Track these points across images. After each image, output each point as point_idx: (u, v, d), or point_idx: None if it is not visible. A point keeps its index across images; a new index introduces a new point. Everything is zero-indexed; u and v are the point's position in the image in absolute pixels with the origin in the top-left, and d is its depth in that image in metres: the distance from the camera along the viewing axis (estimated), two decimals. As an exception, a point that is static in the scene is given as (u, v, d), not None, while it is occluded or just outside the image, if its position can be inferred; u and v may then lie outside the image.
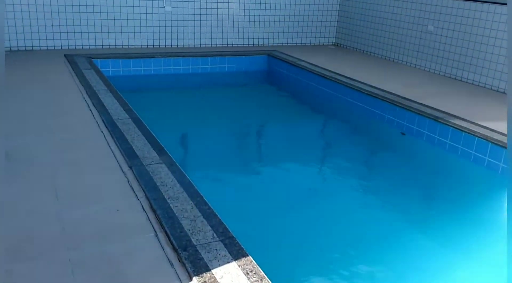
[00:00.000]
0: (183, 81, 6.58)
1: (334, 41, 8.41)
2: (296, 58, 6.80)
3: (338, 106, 5.75)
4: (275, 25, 7.84)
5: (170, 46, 7.17)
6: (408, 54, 6.75)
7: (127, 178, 2.81)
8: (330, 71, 6.14)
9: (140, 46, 6.99)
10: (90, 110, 4.02)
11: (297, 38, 8.11)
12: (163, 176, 2.80)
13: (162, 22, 7.06)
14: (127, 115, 3.87)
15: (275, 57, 7.00)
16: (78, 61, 5.76)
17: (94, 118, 3.83)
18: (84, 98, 4.35)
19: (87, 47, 6.68)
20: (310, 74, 6.23)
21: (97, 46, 6.73)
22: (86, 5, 6.51)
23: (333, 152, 4.84)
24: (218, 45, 7.51)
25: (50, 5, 6.31)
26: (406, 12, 6.72)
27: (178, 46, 7.22)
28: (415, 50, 6.63)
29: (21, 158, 3.02)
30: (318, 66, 6.39)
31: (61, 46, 6.53)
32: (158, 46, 7.11)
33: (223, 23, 7.46)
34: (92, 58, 6.06)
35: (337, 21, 8.26)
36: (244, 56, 6.97)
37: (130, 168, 2.91)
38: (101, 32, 6.70)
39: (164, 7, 6.97)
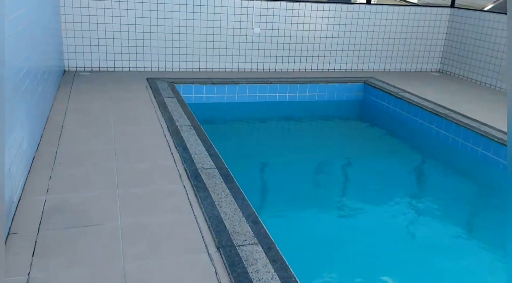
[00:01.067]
0: (269, 110, 5.97)
1: (438, 68, 7.43)
2: (397, 88, 5.96)
3: (444, 146, 4.86)
4: (372, 49, 7.04)
5: (256, 70, 6.62)
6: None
7: (214, 267, 2.18)
8: (436, 104, 5.24)
9: (224, 69, 6.50)
10: (172, 153, 3.48)
11: (395, 63, 7.24)
12: (260, 267, 2.15)
13: (249, 44, 6.52)
14: (212, 164, 3.28)
15: (371, 85, 6.19)
16: (161, 87, 5.34)
17: (176, 166, 3.28)
18: (165, 136, 3.83)
19: (170, 69, 6.29)
20: (413, 108, 5.37)
21: (180, 69, 6.32)
22: (171, 26, 6.14)
23: (438, 201, 3.96)
24: (307, 70, 6.84)
25: (135, 25, 6.00)
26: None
27: (264, 70, 6.65)
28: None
29: (86, 216, 2.52)
30: (422, 97, 5.51)
31: (144, 67, 6.19)
32: (243, 69, 6.58)
33: (314, 46, 6.78)
34: (175, 83, 5.63)
35: (444, 45, 7.28)
36: (337, 84, 6.24)
37: (218, 249, 2.28)
38: (186, 54, 6.28)
39: (253, 28, 6.44)
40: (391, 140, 5.46)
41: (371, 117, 6.13)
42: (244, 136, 5.29)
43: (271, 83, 5.96)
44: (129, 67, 6.14)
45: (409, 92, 5.81)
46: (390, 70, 7.26)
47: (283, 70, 6.78)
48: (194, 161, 3.31)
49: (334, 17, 6.76)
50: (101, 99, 4.75)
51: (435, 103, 5.38)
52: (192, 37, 6.24)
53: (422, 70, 7.41)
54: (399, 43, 7.14)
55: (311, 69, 6.89)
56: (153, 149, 3.56)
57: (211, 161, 3.32)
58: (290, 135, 5.51)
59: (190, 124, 4.10)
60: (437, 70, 7.45)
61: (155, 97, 4.92)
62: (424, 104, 5.33)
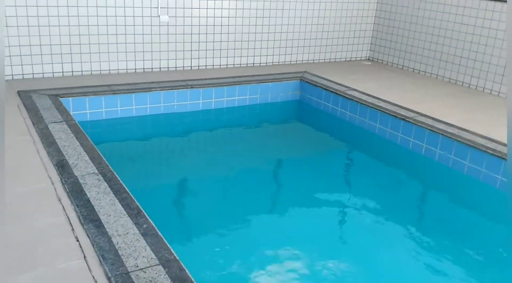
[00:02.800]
0: (192, 121, 4.68)
1: (368, 55, 6.70)
2: (336, 83, 5.04)
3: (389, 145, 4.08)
4: (300, 38, 6.04)
5: (166, 68, 5.23)
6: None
7: None
8: (379, 99, 4.42)
9: (125, 70, 5.02)
10: (79, 244, 2.10)
11: (325, 52, 6.33)
12: None
13: (155, 37, 5.10)
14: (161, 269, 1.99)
15: (309, 82, 5.20)
16: (40, 105, 3.75)
17: (90, 271, 1.93)
18: (61, 202, 2.40)
19: (50, 74, 4.65)
20: (358, 106, 4.50)
21: (64, 73, 4.71)
22: (47, 16, 4.49)
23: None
24: (229, 66, 5.63)
25: None
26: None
27: (177, 68, 5.29)
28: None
29: None
30: (367, 93, 4.65)
31: (12, 74, 4.47)
32: (150, 69, 5.15)
33: (236, 37, 5.58)
34: (60, 96, 4.06)
35: (373, 30, 6.55)
36: (270, 83, 5.13)
37: None
38: (70, 53, 4.68)
39: (159, 16, 5.02)
40: (334, 143, 4.56)
41: (312, 119, 5.14)
42: (163, 162, 3.97)
43: (191, 87, 4.65)
44: (-10, 75, 4.40)
45: (349, 88, 4.92)
46: (320, 60, 6.35)
47: (200, 67, 5.48)
48: (122, 256, 1.99)
49: (257, 2, 5.61)
50: None
51: (377, 98, 4.57)
52: (78, 30, 4.65)
53: (352, 59, 6.62)
54: (328, 30, 6.24)
55: (234, 64, 5.69)
56: (46, 235, 2.13)
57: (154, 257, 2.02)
58: (220, 149, 4.31)
59: (96, 171, 2.70)
60: (367, 58, 6.73)
61: (33, 124, 3.36)
62: (369, 101, 4.48)
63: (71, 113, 3.85)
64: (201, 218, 3.11)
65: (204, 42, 5.39)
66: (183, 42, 5.26)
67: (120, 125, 4.31)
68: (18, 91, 4.08)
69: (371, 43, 6.63)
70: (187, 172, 3.80)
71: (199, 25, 5.30)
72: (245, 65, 5.77)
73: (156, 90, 4.46)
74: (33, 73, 4.58)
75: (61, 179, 2.58)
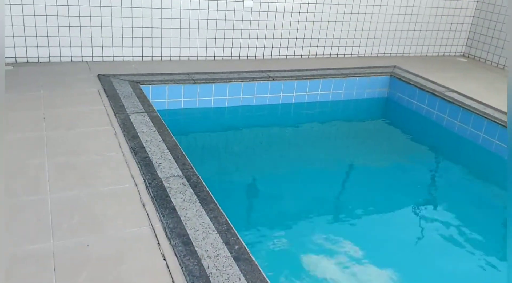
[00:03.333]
0: (272, 115, 4.40)
1: (463, 51, 6.07)
2: (430, 81, 4.54)
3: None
4: (388, 29, 5.54)
5: (246, 57, 4.96)
6: None
7: None
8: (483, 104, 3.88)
9: (204, 57, 4.80)
10: (169, 270, 1.89)
11: (416, 46, 5.80)
12: None
13: (238, 23, 4.82)
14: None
15: (399, 78, 4.74)
16: (121, 91, 3.60)
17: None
18: (148, 216, 2.21)
19: (130, 58, 4.52)
20: (457, 109, 4.00)
21: (143, 58, 4.56)
22: (112, 6, 4.35)
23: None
24: (311, 56, 5.26)
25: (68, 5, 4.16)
26: None
27: (257, 57, 5.00)
28: None
29: None
30: (468, 96, 4.12)
31: (92, 56, 4.38)
32: (229, 57, 4.90)
33: (322, 25, 5.19)
34: (140, 83, 3.89)
35: (471, 23, 5.90)
36: (357, 78, 4.73)
37: None
38: (151, 37, 4.50)
39: (243, 0, 4.74)
40: (427, 150, 4.08)
41: (401, 120, 4.68)
42: (239, 157, 3.71)
43: (273, 79, 4.35)
44: (71, 56, 4.31)
45: (448, 88, 4.41)
46: (410, 54, 5.82)
47: (281, 57, 5.16)
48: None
49: (347, -13, 5.18)
50: (26, 121, 2.99)
51: (482, 103, 4.03)
52: (161, 13, 4.47)
53: (445, 54, 6.03)
54: (421, 21, 5.68)
55: (316, 55, 5.31)
56: (130, 249, 1.92)
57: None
58: (299, 148, 3.99)
59: (180, 173, 2.48)
60: (462, 54, 6.10)
61: (115, 113, 3.21)
62: (474, 106, 3.96)
63: (151, 101, 3.68)
64: (278, 222, 2.83)
65: (287, 30, 5.05)
66: (266, 29, 4.95)
67: (198, 116, 4.10)
68: (98, 75, 3.97)
69: (468, 38, 5.99)
70: (262, 169, 3.53)
71: (284, 12, 4.96)
72: (328, 56, 5.37)
73: (237, 81, 4.20)
74: (113, 56, 4.46)
75: (144, 181, 2.38)
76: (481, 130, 3.87)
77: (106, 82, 3.82)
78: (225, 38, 4.83)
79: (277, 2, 4.91)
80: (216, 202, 2.25)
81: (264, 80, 4.30)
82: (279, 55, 5.13)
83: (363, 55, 5.56)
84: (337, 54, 5.42)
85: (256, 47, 4.99)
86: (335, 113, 4.66)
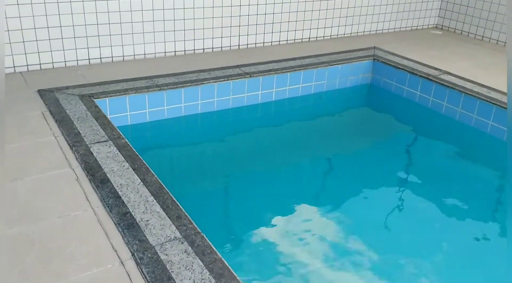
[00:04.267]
0: (251, 118, 3.82)
1: (436, 23, 5.71)
2: (415, 61, 4.12)
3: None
4: (356, 5, 5.04)
5: (211, 49, 4.29)
6: None
7: None
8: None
9: (163, 54, 4.09)
10: None
11: (389, 21, 5.35)
12: None
13: (198, 11, 4.13)
14: None
15: (383, 62, 4.28)
16: (71, 111, 2.88)
17: None
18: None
19: (74, 62, 3.73)
20: (459, 95, 3.64)
21: (90, 60, 3.78)
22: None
23: None
24: (282, 42, 4.67)
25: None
26: None
27: (223, 48, 4.34)
28: None
29: None
30: (462, 77, 3.75)
31: (27, 65, 3.57)
32: (184, 51, 4.22)
33: (291, 7, 4.60)
34: (93, 96, 3.17)
35: (441, -8, 5.53)
36: (339, 65, 4.20)
37: None
38: (98, 35, 3.74)
39: (202, -16, 4.04)
40: (425, 139, 3.71)
41: (391, 108, 4.24)
42: (228, 173, 3.14)
43: (250, 76, 3.75)
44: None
45: (440, 70, 4.01)
46: (384, 31, 5.37)
47: (249, 46, 4.53)
48: None
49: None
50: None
51: (486, 86, 3.68)
52: (107, 6, 3.69)
53: (418, 27, 5.64)
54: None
55: (288, 40, 4.73)
56: None
57: None
58: (289, 149, 3.47)
59: (179, 235, 1.87)
60: (435, 26, 5.74)
61: (70, 147, 2.50)
62: (476, 90, 3.59)
63: (109, 117, 2.99)
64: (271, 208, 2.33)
65: (254, 15, 4.42)
66: (230, 16, 4.29)
67: (168, 129, 3.44)
68: (38, 91, 3.19)
69: (440, 9, 5.63)
70: (257, 180, 2.99)
71: (249, -6, 4.32)
72: (300, 40, 4.81)
73: (209, 82, 3.56)
74: (52, 62, 3.66)
75: (132, 255, 1.76)
76: (489, 118, 3.51)
77: (51, 100, 3.07)
78: (186, 30, 4.13)
79: (241, -17, 4.25)
80: (236, 276, 1.68)
81: (240, 78, 3.69)
82: (247, 44, 4.50)
83: (337, 36, 5.04)
84: (309, 38, 4.86)
85: (222, 37, 4.33)
86: (320, 106, 4.15)
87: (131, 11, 3.81)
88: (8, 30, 3.41)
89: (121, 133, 2.69)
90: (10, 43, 3.45)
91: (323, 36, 4.96)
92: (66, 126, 2.72)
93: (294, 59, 4.19)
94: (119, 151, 2.48)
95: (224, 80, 3.62)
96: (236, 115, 3.75)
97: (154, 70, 3.71)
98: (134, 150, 2.51)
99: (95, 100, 3.13)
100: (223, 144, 3.54)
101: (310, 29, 4.82)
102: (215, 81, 3.58)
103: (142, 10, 3.86)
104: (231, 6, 4.26)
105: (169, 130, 3.46)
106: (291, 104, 4.02)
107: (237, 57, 4.18)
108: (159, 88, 3.36)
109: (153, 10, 3.90)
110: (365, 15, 5.12)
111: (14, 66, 3.53)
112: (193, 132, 3.57)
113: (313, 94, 4.15)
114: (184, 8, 4.04)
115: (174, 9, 3.99)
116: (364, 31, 5.21)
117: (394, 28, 5.44)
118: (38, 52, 3.59)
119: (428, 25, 5.69)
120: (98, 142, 2.56)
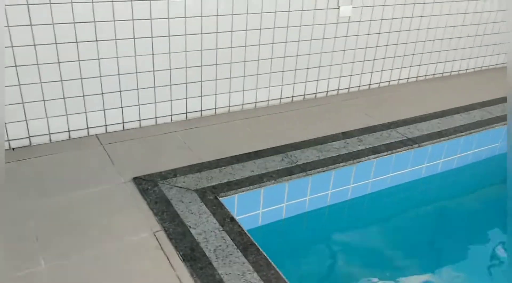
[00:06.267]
0: (423, 201, 2.72)
1: None
2: None
3: None
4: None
5: (336, 91, 3.20)
6: None
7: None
8: None
9: (278, 100, 3.01)
10: None
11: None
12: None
13: (329, 42, 3.03)
14: None
15: None
16: (191, 221, 1.82)
17: None
18: None
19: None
20: None
21: (193, 112, 2.74)
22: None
23: None
24: (428, 77, 3.55)
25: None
26: None
27: (351, 89, 3.26)
28: None
29: None
30: None
31: (105, 125, 2.52)
32: (326, 93, 3.12)
33: (437, 33, 3.47)
34: (217, 193, 2.11)
35: None
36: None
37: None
38: (201, 82, 2.70)
39: (339, 7, 2.92)
40: None
41: None
42: None
43: (418, 146, 2.64)
44: (69, 130, 2.44)
45: None
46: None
47: (381, 84, 3.43)
48: None
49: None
50: None
51: None
52: (215, 42, 2.63)
53: None
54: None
55: (426, 76, 3.60)
56: None
57: None
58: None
59: None
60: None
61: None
62: None
63: (236, 218, 1.93)
64: None
65: (404, 44, 3.30)
66: (365, 47, 3.18)
67: (313, 225, 2.37)
68: (134, 180, 2.13)
69: None
70: None
71: (402, 18, 3.19)
72: (440, 75, 3.67)
73: (368, 159, 2.45)
74: (140, 120, 2.60)
75: None
76: None
77: (158, 200, 1.99)
78: (309, 68, 3.03)
79: (384, 5, 3.11)
80: None
81: (405, 148, 2.58)
82: (379, 83, 3.40)
83: (481, 68, 3.90)
84: (451, 71, 3.72)
85: (351, 75, 3.23)
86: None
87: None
88: (62, 80, 2.36)
89: (272, 264, 1.62)
90: (83, 97, 2.39)
91: (466, 69, 3.82)
92: (198, 266, 1.66)
93: (457, 111, 3.06)
94: None
95: (385, 155, 2.51)
96: (395, 195, 2.66)
97: (281, 133, 2.62)
98: None
99: (220, 199, 2.06)
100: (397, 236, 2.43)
101: (445, 62, 3.68)
102: (376, 157, 2.48)
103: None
104: (368, 34, 3.14)
105: (316, 227, 2.38)
106: (459, 176, 2.90)
107: (375, 103, 3.08)
108: (304, 173, 2.27)
109: (272, 44, 2.80)
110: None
111: (87, 127, 2.48)
112: (349, 225, 2.48)
113: (484, 159, 3.03)
114: (310, 40, 2.93)
115: (298, 41, 2.89)
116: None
117: None
118: (122, 107, 2.53)
119: None
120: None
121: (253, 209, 2.19)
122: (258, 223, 2.24)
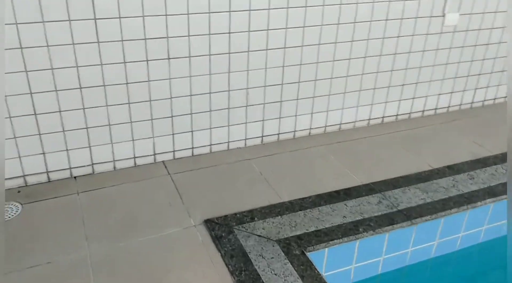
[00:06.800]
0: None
1: None
2: None
3: None
4: None
5: (434, 111, 2.76)
6: None
7: None
8: None
9: (367, 121, 2.62)
10: None
11: None
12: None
13: (430, 56, 2.60)
14: None
15: None
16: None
17: None
18: None
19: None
20: None
21: (253, 139, 2.42)
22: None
23: None
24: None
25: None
26: None
27: (451, 107, 2.80)
28: None
29: None
30: None
31: (173, 150, 2.26)
32: (421, 112, 2.70)
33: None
34: (304, 246, 1.77)
35: None
36: None
37: None
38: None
39: (444, 14, 2.48)
40: None
41: None
42: None
43: None
44: (134, 157, 2.20)
45: None
46: None
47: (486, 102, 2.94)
48: None
49: None
50: None
51: None
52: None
53: None
54: None
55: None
56: None
57: None
58: None
59: None
60: None
61: None
62: None
63: (323, 275, 1.58)
64: None
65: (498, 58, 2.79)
66: (471, 60, 2.70)
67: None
68: (206, 223, 1.84)
69: None
70: None
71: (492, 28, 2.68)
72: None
73: (484, 203, 2.02)
74: (210, 145, 2.31)
75: None
76: None
77: (233, 252, 1.68)
78: (404, 84, 2.60)
79: (495, 12, 2.62)
80: None
81: None
82: (459, 105, 2.91)
83: None
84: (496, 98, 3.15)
85: (439, 94, 2.76)
86: None
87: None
88: (129, 103, 2.09)
89: None
90: (151, 120, 2.12)
91: None
92: None
93: None
94: None
95: (504, 198, 2.05)
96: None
97: (373, 164, 2.23)
98: None
99: (308, 254, 1.71)
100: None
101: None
102: (493, 201, 2.03)
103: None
104: (475, 45, 2.65)
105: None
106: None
107: (483, 126, 2.60)
108: (409, 222, 1.87)
109: (365, 58, 2.41)
110: None
111: (154, 153, 2.21)
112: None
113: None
114: (409, 53, 2.50)
115: (395, 54, 2.48)
116: None
117: None
118: (192, 131, 2.24)
119: None
120: None
121: (345, 263, 1.82)
122: (349, 280, 1.87)
